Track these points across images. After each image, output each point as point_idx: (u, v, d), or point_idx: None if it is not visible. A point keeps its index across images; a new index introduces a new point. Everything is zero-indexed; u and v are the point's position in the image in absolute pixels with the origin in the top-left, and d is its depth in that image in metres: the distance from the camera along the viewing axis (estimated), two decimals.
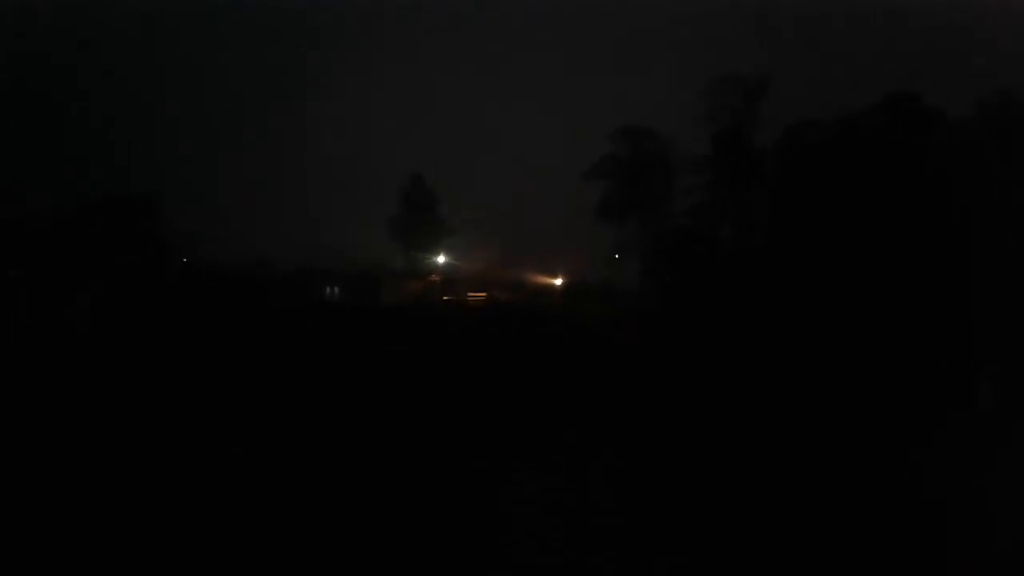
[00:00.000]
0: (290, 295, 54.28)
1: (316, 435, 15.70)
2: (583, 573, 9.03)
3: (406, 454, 14.31)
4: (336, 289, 61.53)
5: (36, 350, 28.07)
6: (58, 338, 32.15)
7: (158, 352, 28.94)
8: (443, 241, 60.13)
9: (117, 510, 10.68)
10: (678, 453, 14.98)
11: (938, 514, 11.02)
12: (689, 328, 36.02)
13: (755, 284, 35.88)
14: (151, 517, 10.43)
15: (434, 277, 62.03)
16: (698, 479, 13.02)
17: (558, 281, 62.35)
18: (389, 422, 17.19)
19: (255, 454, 13.97)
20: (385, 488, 12.16)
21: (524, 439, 15.82)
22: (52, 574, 8.79)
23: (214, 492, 11.69)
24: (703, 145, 43.31)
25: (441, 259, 61.12)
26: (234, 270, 53.64)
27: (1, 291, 43.23)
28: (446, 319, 49.32)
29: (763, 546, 9.92)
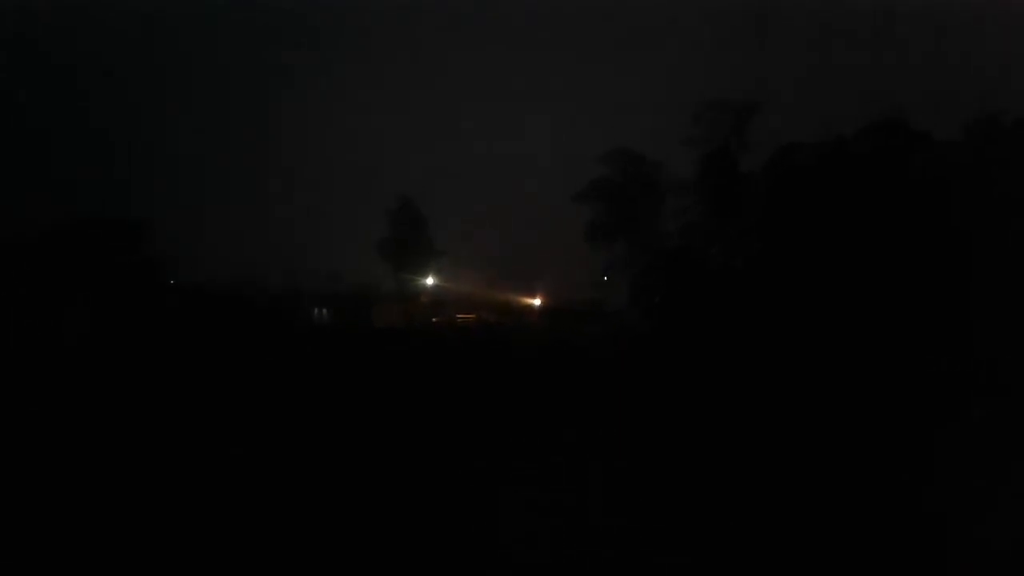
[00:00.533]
0: (279, 316, 53.99)
1: (310, 448, 15.52)
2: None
3: (402, 464, 14.21)
4: (325, 311, 61.33)
5: (24, 367, 27.76)
6: (46, 356, 31.82)
7: (145, 371, 28.69)
8: (432, 263, 60.03)
9: (109, 524, 10.56)
10: (676, 464, 14.89)
11: (938, 516, 10.97)
12: (680, 346, 36.06)
13: (746, 303, 36.03)
14: (143, 531, 10.32)
15: (423, 299, 61.92)
16: (696, 488, 12.90)
17: (536, 302, 62.38)
18: (383, 436, 17.05)
19: (247, 467, 13.82)
20: (382, 495, 12.06)
21: (519, 458, 15.67)
22: None
23: (206, 504, 11.54)
24: (692, 166, 43.65)
25: (430, 281, 60.99)
26: (222, 291, 53.45)
27: None
28: (435, 340, 49.18)
29: (762, 550, 9.85)
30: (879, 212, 32.25)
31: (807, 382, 24.98)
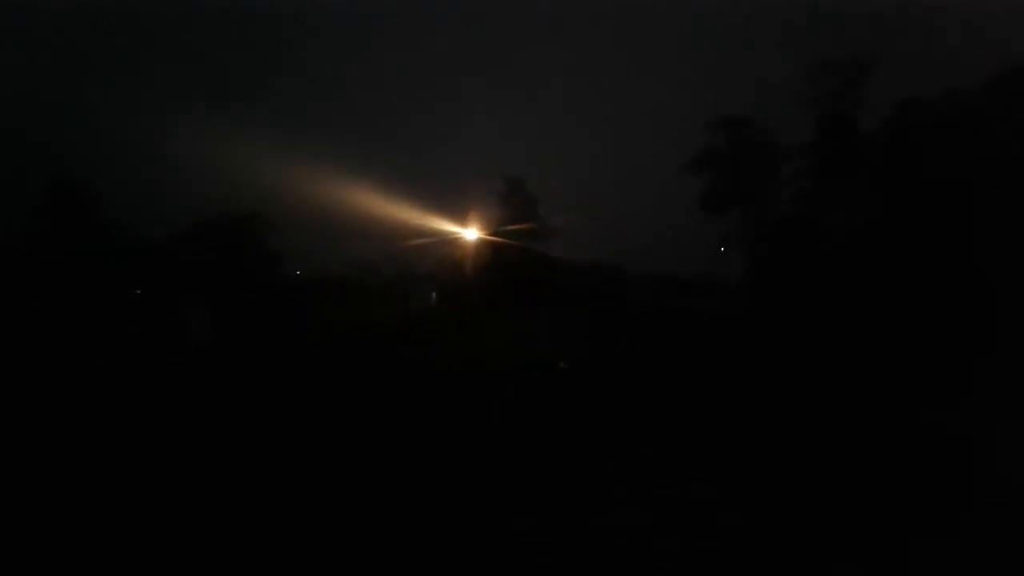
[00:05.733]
0: (397, 300, 55.92)
1: (443, 439, 15.37)
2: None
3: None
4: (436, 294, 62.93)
5: (160, 363, 28.72)
6: (180, 352, 32.97)
7: (276, 363, 29.52)
8: (544, 243, 60.03)
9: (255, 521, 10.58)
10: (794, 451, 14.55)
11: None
12: (799, 318, 35.39)
13: (866, 272, 34.99)
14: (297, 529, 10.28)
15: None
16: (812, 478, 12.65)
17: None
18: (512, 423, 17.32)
19: (377, 461, 13.76)
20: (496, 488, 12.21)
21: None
22: None
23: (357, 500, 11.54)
24: (802, 131, 42.51)
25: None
26: (343, 279, 55.78)
27: (127, 309, 45.91)
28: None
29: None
30: (1011, 169, 30.68)
31: (932, 354, 24.09)
